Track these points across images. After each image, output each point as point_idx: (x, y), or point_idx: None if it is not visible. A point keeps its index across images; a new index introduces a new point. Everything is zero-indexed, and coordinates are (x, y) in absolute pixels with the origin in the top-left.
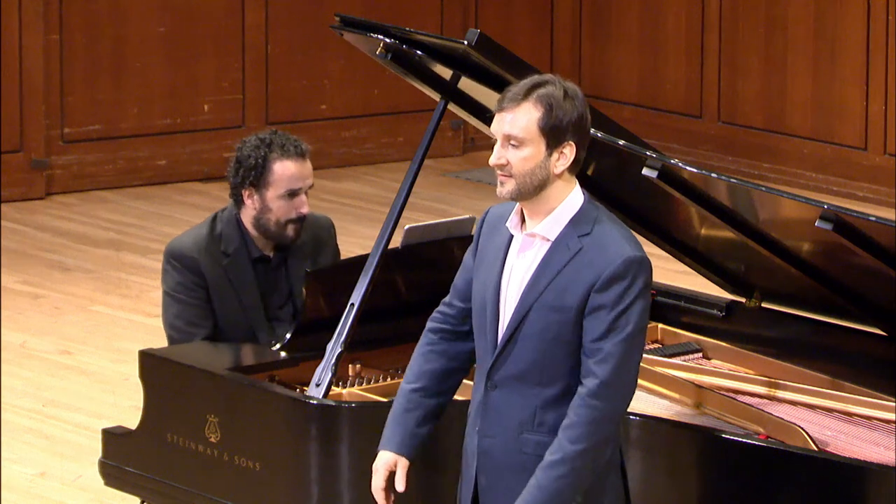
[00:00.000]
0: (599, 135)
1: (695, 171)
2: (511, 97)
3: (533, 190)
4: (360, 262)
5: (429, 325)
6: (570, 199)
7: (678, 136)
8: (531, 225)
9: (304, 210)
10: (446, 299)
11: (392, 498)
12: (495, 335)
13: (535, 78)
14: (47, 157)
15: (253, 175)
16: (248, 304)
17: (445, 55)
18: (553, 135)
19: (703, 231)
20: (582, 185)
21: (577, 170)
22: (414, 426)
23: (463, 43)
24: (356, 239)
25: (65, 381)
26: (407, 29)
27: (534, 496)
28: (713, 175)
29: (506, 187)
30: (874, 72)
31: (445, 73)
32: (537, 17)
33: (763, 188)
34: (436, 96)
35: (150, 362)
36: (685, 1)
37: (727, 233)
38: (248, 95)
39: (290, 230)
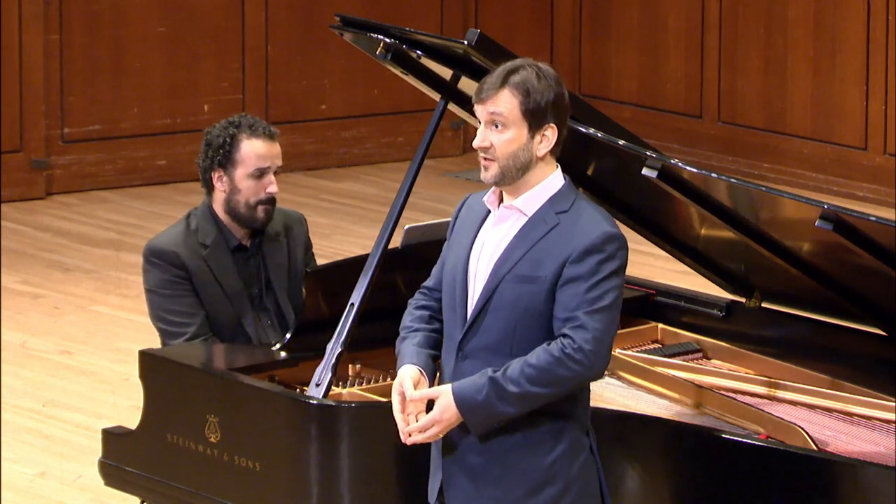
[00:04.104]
0: (599, 135)
1: (695, 171)
2: (488, 87)
3: (516, 173)
4: (360, 262)
5: (412, 303)
6: (551, 179)
7: (678, 136)
8: (509, 200)
9: (273, 189)
10: (426, 283)
11: (411, 414)
12: (465, 307)
13: (508, 65)
14: (47, 157)
15: (221, 154)
16: (231, 292)
17: (445, 55)
18: (534, 118)
19: (703, 231)
20: (582, 186)
21: (559, 152)
22: (416, 346)
23: (463, 43)
24: (356, 239)
25: (65, 381)
26: (407, 29)
27: (473, 393)
28: (713, 175)
29: (490, 171)
30: (874, 72)
31: (445, 73)
32: (537, 17)
33: (763, 188)
34: (436, 96)
35: (150, 362)
36: (685, 1)
37: (727, 233)
38: (248, 95)
39: (261, 212)
